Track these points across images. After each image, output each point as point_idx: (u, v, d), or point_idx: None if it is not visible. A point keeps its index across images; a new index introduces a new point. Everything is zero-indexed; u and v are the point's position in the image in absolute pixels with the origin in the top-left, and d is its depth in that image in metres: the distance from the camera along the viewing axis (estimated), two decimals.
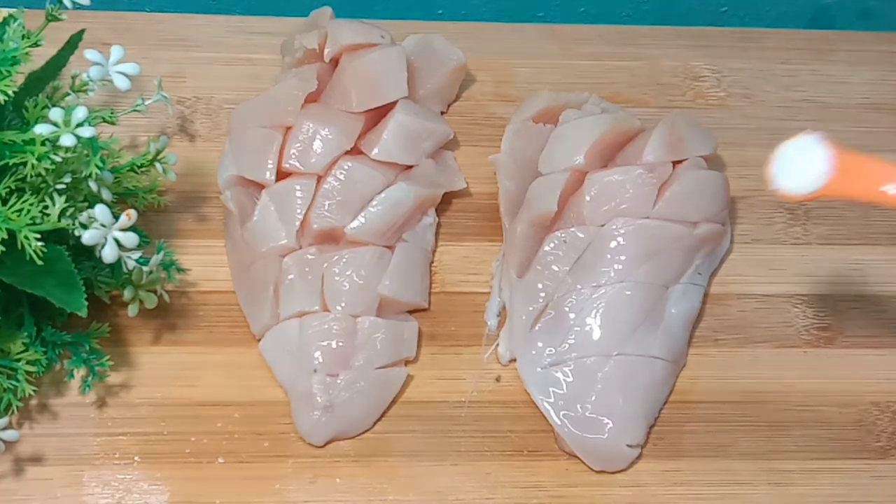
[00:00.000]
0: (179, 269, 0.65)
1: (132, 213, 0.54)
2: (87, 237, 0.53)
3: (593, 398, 0.62)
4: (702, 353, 0.67)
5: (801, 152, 0.51)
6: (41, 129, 0.53)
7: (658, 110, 0.76)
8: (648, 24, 0.83)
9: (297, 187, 0.65)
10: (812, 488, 0.63)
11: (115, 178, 0.63)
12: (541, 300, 0.64)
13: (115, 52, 0.60)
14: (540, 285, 0.65)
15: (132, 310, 0.62)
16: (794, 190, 0.51)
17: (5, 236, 0.52)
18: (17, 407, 0.59)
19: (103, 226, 0.54)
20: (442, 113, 0.75)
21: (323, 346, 0.62)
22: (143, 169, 0.65)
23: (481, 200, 0.72)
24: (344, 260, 0.64)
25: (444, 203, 0.71)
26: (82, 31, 0.62)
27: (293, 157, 0.66)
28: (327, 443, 0.62)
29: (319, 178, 0.66)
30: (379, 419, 0.63)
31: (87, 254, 0.56)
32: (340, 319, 0.63)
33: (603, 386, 0.62)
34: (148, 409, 0.62)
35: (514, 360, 0.64)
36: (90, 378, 0.62)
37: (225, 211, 0.68)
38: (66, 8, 0.60)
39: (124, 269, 0.56)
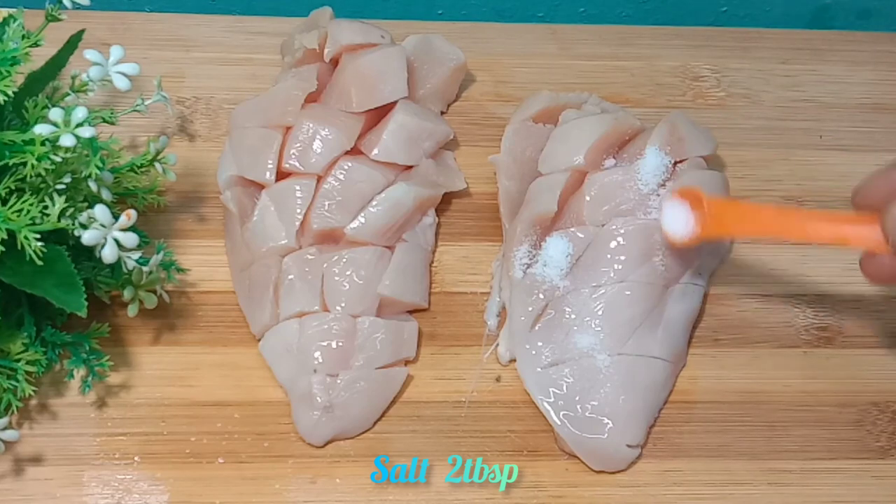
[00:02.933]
0: (179, 270, 0.65)
1: (132, 213, 0.54)
2: (87, 237, 0.53)
3: (593, 398, 0.62)
4: (702, 353, 0.67)
5: (678, 207, 0.62)
6: (41, 129, 0.53)
7: (658, 110, 0.76)
8: (648, 24, 0.83)
9: (297, 187, 0.65)
10: (811, 488, 0.63)
11: (115, 178, 0.63)
12: (541, 300, 0.64)
13: (115, 52, 0.60)
14: None
15: (132, 310, 0.62)
16: (678, 237, 0.62)
17: (5, 236, 0.52)
18: (17, 407, 0.59)
19: (103, 226, 0.54)
20: (442, 113, 0.75)
21: (323, 346, 0.62)
22: (143, 169, 0.65)
23: (481, 200, 0.72)
24: (344, 260, 0.64)
25: (444, 203, 0.71)
26: (82, 31, 0.62)
27: (293, 157, 0.66)
28: (327, 443, 0.62)
29: (319, 179, 0.66)
30: (379, 419, 0.63)
31: (87, 254, 0.56)
32: (340, 319, 0.63)
33: (603, 386, 0.62)
34: (148, 409, 0.62)
35: (514, 360, 0.64)
36: (90, 378, 0.62)
37: (225, 211, 0.68)
38: (66, 8, 0.60)
39: (124, 269, 0.56)
